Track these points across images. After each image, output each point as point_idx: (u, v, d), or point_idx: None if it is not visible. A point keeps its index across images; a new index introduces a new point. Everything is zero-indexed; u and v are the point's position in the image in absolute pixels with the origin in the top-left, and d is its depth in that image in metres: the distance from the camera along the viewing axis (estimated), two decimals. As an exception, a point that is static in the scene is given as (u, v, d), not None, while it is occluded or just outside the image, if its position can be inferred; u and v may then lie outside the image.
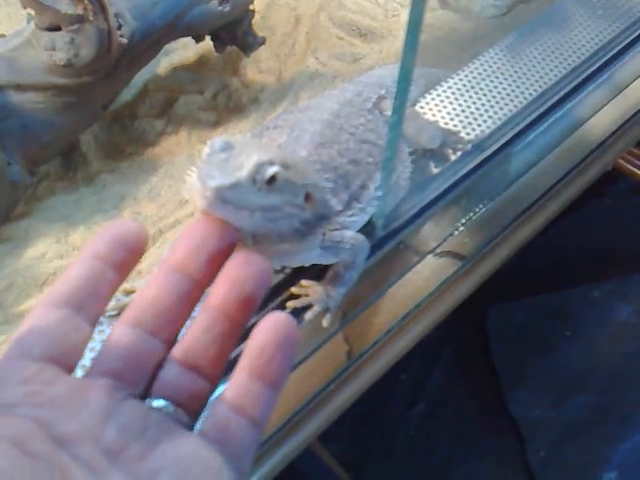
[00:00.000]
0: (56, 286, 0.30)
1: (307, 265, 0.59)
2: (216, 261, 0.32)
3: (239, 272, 0.31)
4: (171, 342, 0.31)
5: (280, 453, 0.66)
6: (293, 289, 0.61)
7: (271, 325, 0.30)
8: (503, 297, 1.33)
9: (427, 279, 0.73)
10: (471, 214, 0.77)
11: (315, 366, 0.66)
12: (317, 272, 0.62)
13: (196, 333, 0.31)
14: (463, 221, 0.76)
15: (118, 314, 0.61)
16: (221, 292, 0.31)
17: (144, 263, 0.73)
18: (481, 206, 0.77)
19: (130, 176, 0.82)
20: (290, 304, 0.60)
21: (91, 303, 0.30)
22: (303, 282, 0.61)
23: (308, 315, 0.61)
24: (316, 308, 0.61)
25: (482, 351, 1.29)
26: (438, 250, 0.74)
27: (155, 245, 0.76)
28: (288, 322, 0.30)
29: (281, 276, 0.63)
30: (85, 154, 0.84)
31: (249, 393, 0.29)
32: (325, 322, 0.62)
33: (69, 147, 0.82)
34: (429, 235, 0.75)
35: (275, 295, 0.63)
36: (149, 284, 0.32)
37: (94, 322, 0.30)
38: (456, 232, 0.75)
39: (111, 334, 0.31)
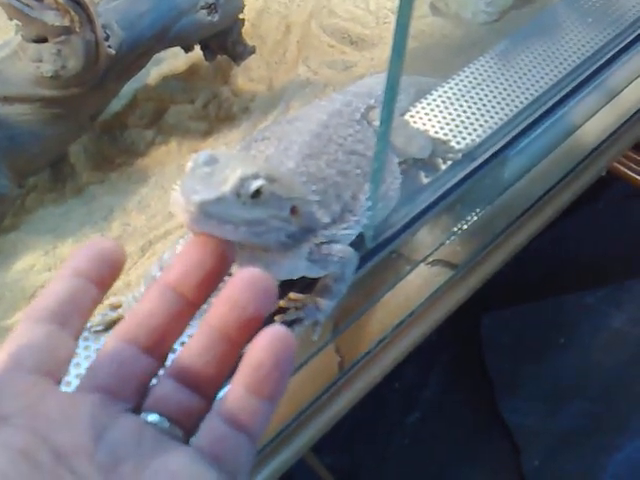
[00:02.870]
0: (39, 301, 0.30)
1: (295, 278, 0.59)
2: (211, 281, 0.32)
3: (241, 294, 0.30)
4: (163, 359, 0.31)
5: (273, 465, 0.66)
6: (281, 302, 0.60)
7: (268, 339, 0.29)
8: (497, 304, 1.33)
9: (419, 288, 0.73)
10: (463, 222, 0.76)
11: (306, 378, 0.66)
12: (306, 285, 0.62)
13: (194, 352, 0.31)
14: (455, 229, 0.76)
15: (104, 329, 0.61)
16: (220, 313, 0.30)
17: (133, 275, 0.72)
18: (473, 214, 0.77)
19: (120, 187, 0.82)
20: (278, 318, 0.60)
21: (75, 318, 0.30)
22: (292, 295, 0.61)
23: (297, 329, 0.60)
24: (305, 322, 0.60)
25: (477, 359, 1.29)
26: (430, 259, 0.74)
27: (145, 256, 0.75)
28: (285, 336, 0.29)
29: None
30: (74, 165, 0.84)
31: (246, 408, 0.29)
32: (314, 336, 0.61)
33: (57, 158, 0.82)
34: (421, 244, 0.74)
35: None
36: (143, 301, 0.32)
37: (77, 337, 0.31)
38: (448, 241, 0.75)
39: (104, 349, 0.31)
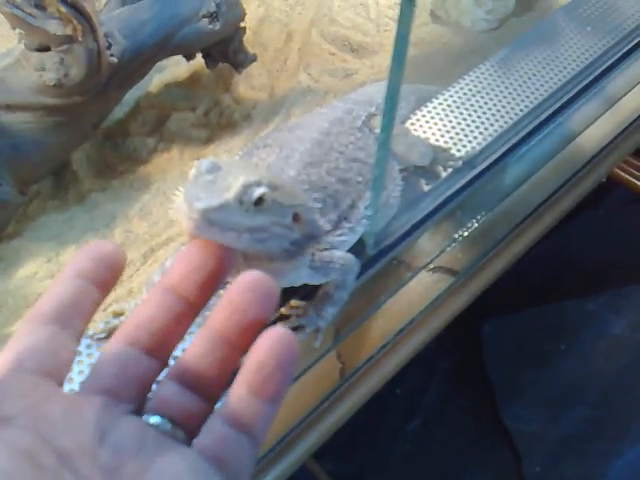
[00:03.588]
0: (41, 303, 0.30)
1: (297, 285, 0.59)
2: (211, 283, 0.32)
3: (242, 298, 0.30)
4: (165, 361, 0.31)
5: (275, 472, 0.65)
6: (283, 310, 0.61)
7: (270, 341, 0.29)
8: (498, 311, 1.32)
9: (421, 295, 0.73)
10: (464, 229, 0.76)
11: (308, 384, 0.66)
12: (307, 292, 0.62)
13: (195, 355, 0.31)
14: (456, 236, 0.76)
15: (107, 337, 0.61)
16: (222, 317, 0.31)
17: (135, 282, 0.73)
18: (474, 221, 0.77)
19: (122, 194, 0.82)
20: (280, 325, 0.60)
21: (76, 320, 0.30)
22: (293, 302, 0.61)
23: (298, 336, 0.60)
24: (306, 329, 0.60)
25: (478, 365, 1.29)
26: (431, 266, 0.74)
27: (147, 263, 0.75)
28: (287, 337, 0.29)
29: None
30: (76, 173, 0.84)
31: (247, 409, 0.29)
32: (316, 343, 0.62)
33: (60, 166, 0.82)
34: (422, 251, 0.74)
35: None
36: (144, 304, 0.32)
37: (79, 339, 0.31)
38: (449, 248, 0.75)
39: (105, 351, 0.31)
